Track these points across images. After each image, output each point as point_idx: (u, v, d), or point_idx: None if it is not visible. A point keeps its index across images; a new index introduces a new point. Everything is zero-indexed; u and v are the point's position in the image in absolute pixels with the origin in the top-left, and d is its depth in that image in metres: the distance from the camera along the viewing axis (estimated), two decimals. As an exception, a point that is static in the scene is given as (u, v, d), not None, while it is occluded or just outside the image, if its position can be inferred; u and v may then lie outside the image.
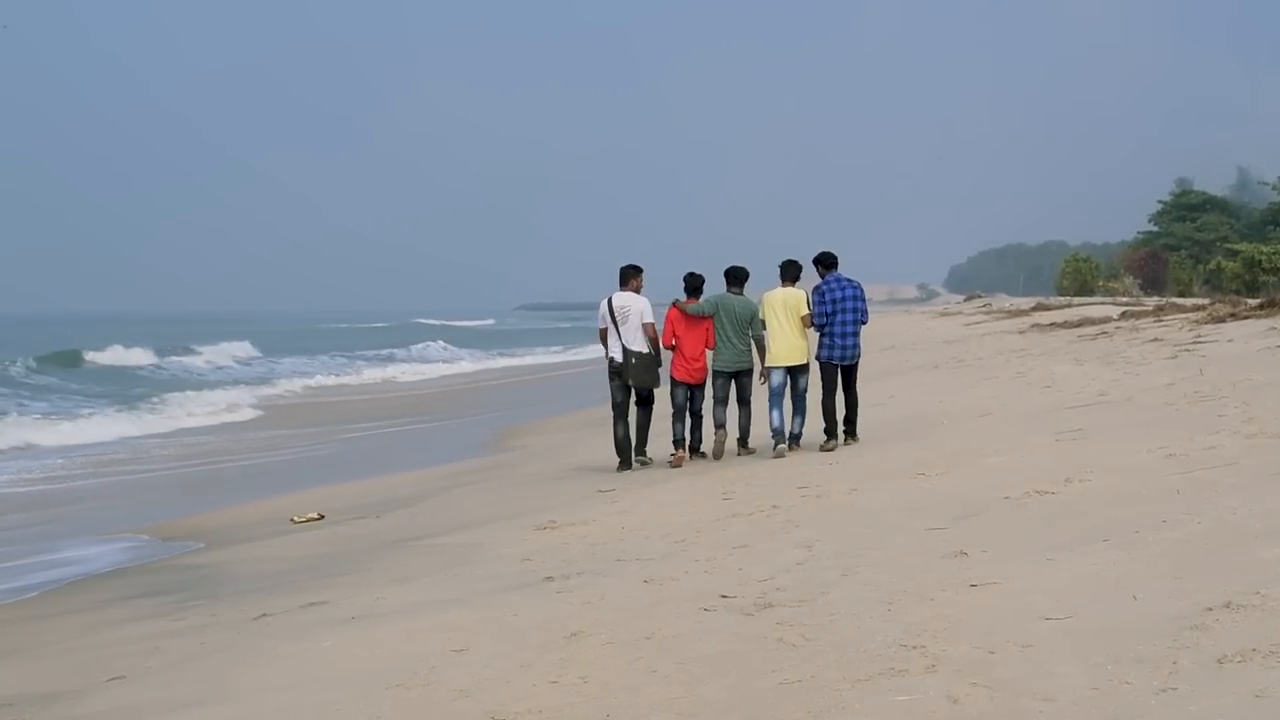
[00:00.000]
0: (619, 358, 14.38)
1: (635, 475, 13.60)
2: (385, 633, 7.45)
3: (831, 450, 13.93)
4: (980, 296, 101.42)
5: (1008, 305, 64.23)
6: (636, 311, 14.40)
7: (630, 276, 14.60)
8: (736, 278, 14.97)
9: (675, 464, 14.33)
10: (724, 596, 7.32)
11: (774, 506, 10.22)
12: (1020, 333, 31.70)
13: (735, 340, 14.65)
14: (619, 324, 14.37)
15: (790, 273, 14.81)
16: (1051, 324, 32.91)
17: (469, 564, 9.56)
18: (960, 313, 59.70)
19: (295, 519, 13.57)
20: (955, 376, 21.67)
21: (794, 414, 14.54)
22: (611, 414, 14.61)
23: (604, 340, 14.50)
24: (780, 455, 13.93)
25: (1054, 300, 60.76)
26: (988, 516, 8.67)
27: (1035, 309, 47.43)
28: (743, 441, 14.63)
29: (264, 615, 8.65)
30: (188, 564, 11.72)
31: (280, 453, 21.79)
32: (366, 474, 18.14)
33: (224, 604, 9.41)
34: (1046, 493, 9.16)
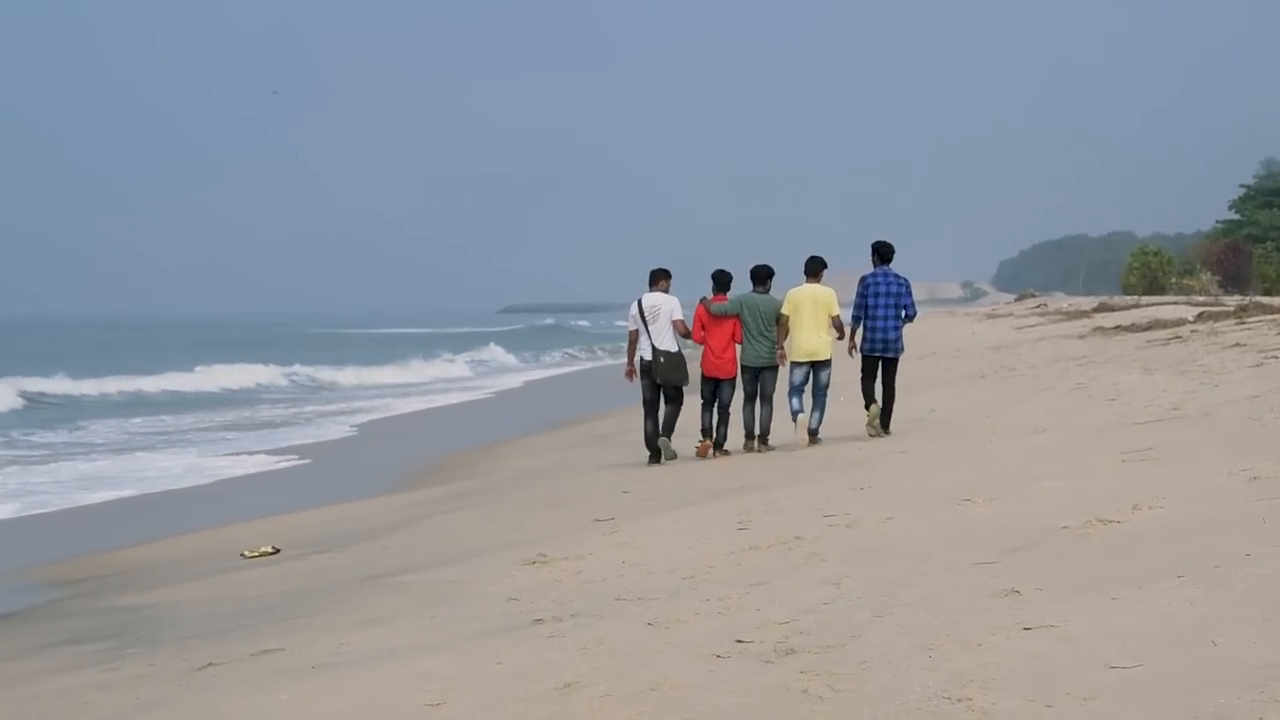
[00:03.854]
0: (648, 356, 16.82)
1: (637, 503, 13.61)
2: (351, 684, 7.43)
3: (873, 417, 16.57)
4: (1034, 296, 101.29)
5: (1065, 306, 64.16)
6: (666, 310, 16.83)
7: (659, 278, 17.04)
8: (761, 276, 17.03)
9: (700, 453, 16.83)
10: (739, 641, 7.30)
11: (796, 538, 10.19)
12: (1080, 337, 31.69)
13: (761, 337, 16.81)
14: (649, 323, 16.82)
15: (814, 268, 16.90)
16: (1116, 327, 32.88)
17: (447, 604, 9.54)
18: (1011, 314, 59.61)
19: (246, 553, 13.56)
20: (1005, 387, 21.65)
21: (813, 409, 16.73)
22: (643, 410, 17.10)
23: (633, 343, 16.99)
24: (802, 443, 16.55)
25: (1119, 300, 60.70)
26: (1043, 549, 8.64)
27: (1098, 310, 47.40)
28: (762, 438, 16.85)
29: (210, 665, 8.63)
30: (121, 605, 11.71)
31: (229, 471, 21.84)
32: (327, 498, 18.15)
33: (164, 652, 9.39)
34: (1111, 522, 9.14)
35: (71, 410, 37.45)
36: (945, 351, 33.79)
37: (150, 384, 46.70)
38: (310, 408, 37.66)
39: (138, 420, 33.61)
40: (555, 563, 10.52)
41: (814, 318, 16.75)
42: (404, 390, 45.87)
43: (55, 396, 41.93)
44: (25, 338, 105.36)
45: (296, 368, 53.62)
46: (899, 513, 10.70)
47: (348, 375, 52.44)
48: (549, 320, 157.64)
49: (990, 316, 61.70)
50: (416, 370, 56.21)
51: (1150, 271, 76.75)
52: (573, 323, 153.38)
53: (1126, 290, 78.18)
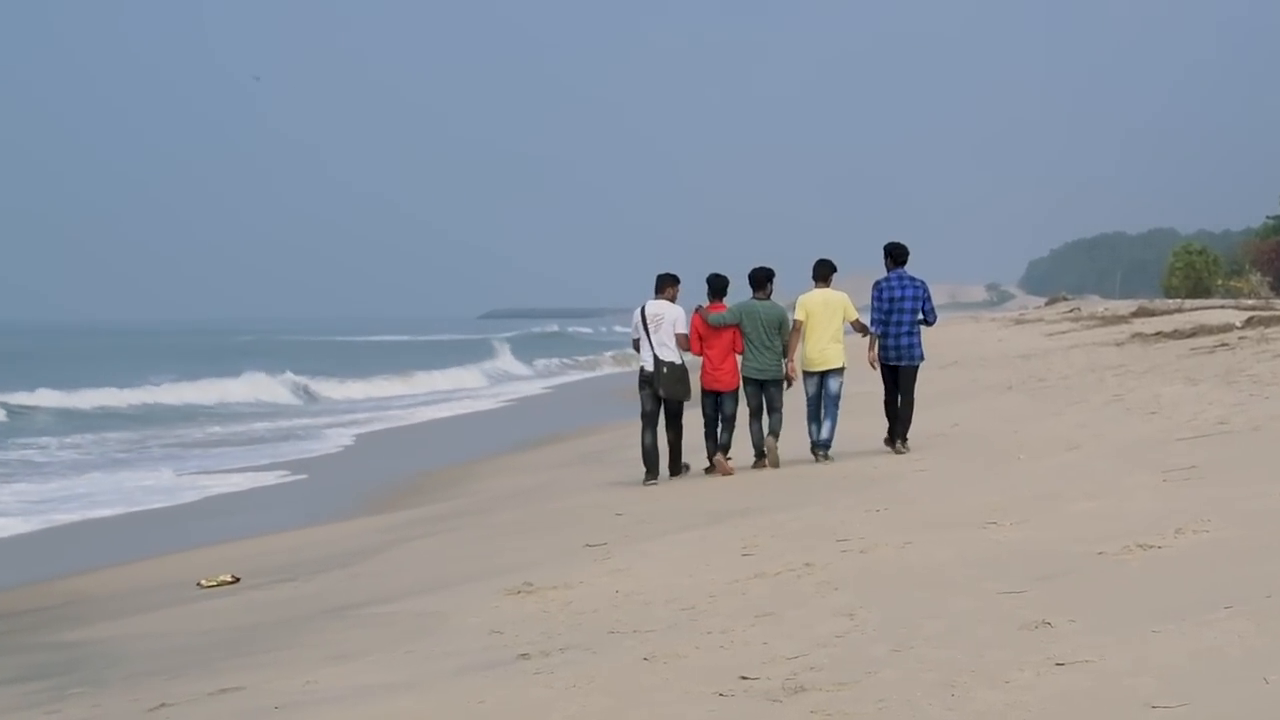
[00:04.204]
0: (649, 367, 16.93)
1: (631, 527, 13.60)
2: (316, 726, 7.41)
3: (898, 453, 16.62)
4: (1066, 299, 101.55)
5: (1101, 310, 64.28)
6: (670, 320, 16.92)
7: (666, 285, 17.16)
8: (760, 281, 17.05)
9: (725, 472, 16.89)
10: (744, 678, 7.28)
11: (806, 564, 10.18)
12: (1117, 344, 31.71)
13: (764, 348, 16.86)
14: (650, 331, 16.88)
15: (823, 273, 17.05)
16: (1157, 333, 32.93)
17: (424, 638, 9.53)
18: (1041, 319, 59.74)
19: (203, 582, 13.54)
20: (1035, 400, 21.66)
21: (825, 419, 16.95)
22: (641, 423, 17.12)
23: (637, 350, 17.07)
24: (820, 460, 16.74)
25: (1160, 303, 60.86)
26: (1077, 577, 8.63)
27: (1136, 314, 47.50)
28: (773, 435, 16.87)
29: (163, 705, 8.61)
30: (65, 640, 11.68)
31: (201, 490, 21.88)
32: (297, 521, 18.13)
33: (112, 691, 9.37)
34: (1152, 547, 9.13)
35: (43, 423, 37.81)
36: (969, 360, 33.81)
37: (132, 396, 47.08)
38: (308, 420, 38.19)
39: (112, 435, 33.90)
40: (542, 592, 10.51)
41: (828, 324, 16.88)
42: (425, 400, 47.04)
43: (18, 408, 41.98)
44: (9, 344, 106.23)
45: (302, 378, 54.45)
46: (918, 537, 10.69)
47: (357, 387, 53.65)
48: (552, 326, 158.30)
49: (1018, 322, 61.81)
50: (425, 381, 57.57)
51: (1194, 272, 76.97)
52: (571, 329, 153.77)
53: (1168, 293, 78.37)
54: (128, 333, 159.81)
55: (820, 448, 16.94)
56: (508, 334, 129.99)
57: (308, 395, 50.74)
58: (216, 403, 46.42)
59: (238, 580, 13.57)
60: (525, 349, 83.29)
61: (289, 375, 54.25)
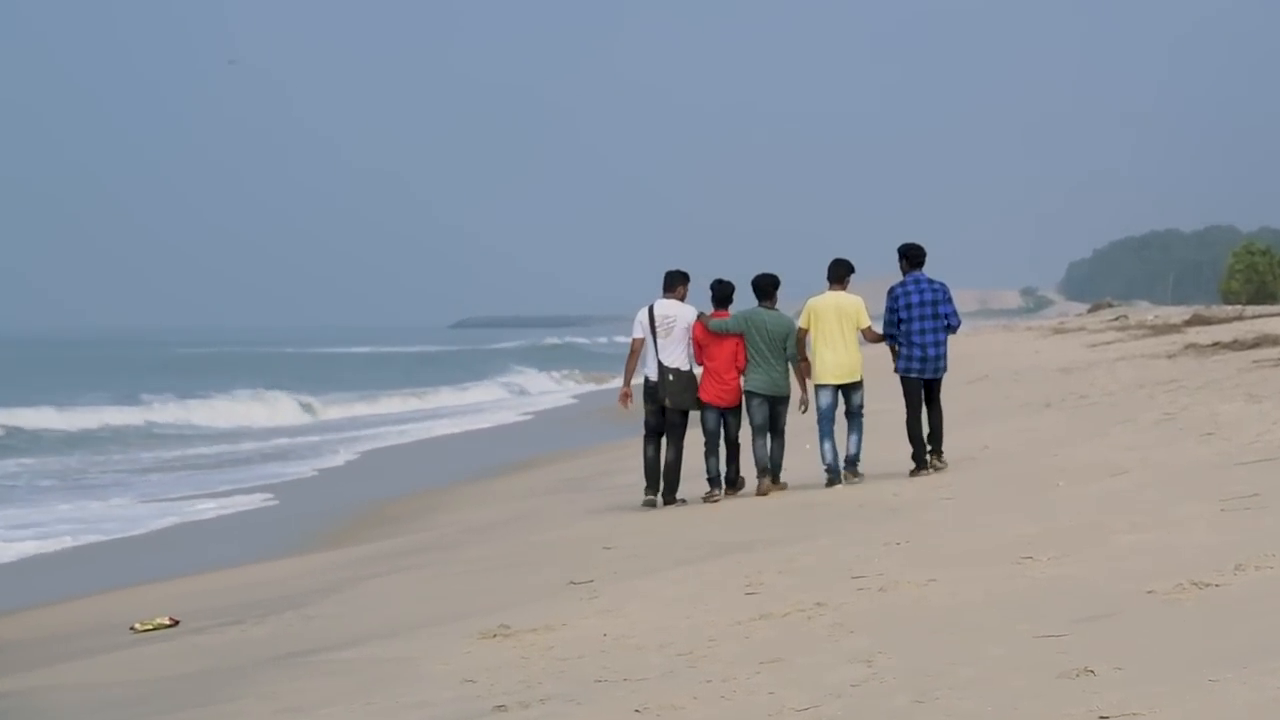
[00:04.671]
0: (654, 375, 17.08)
1: (621, 562, 13.59)
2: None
3: (936, 470, 16.77)
4: (1112, 305, 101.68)
5: (1151, 318, 64.35)
6: (684, 323, 17.07)
7: (677, 282, 17.32)
8: (766, 289, 17.24)
9: (711, 500, 16.98)
10: (748, 734, 7.27)
11: (818, 604, 10.17)
12: (1170, 357, 31.71)
13: (770, 361, 16.99)
14: (659, 336, 17.04)
15: (838, 273, 17.11)
16: (1215, 344, 32.91)
17: (388, 687, 9.51)
18: (1083, 328, 59.73)
19: (138, 626, 13.50)
20: (1076, 419, 21.66)
21: (850, 433, 16.99)
22: (644, 435, 17.33)
23: (634, 354, 17.30)
24: (834, 484, 16.79)
25: (1218, 310, 60.94)
26: (1123, 619, 8.62)
27: (1191, 322, 47.52)
28: (774, 476, 17.09)
29: (92, 763, 8.59)
30: (-15, 690, 11.64)
31: (157, 520, 21.94)
32: (243, 556, 18.11)
33: (35, 747, 9.34)
34: (1208, 585, 9.12)
35: (13, 444, 38.26)
36: (1001, 375, 33.79)
37: (130, 415, 48.09)
38: (314, 437, 39.34)
39: (74, 459, 34.37)
40: (521, 635, 10.49)
41: (840, 331, 16.90)
42: (431, 415, 48.83)
43: None
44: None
45: (307, 397, 56.08)
46: (944, 573, 10.68)
47: (374, 403, 55.95)
48: (551, 339, 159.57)
49: (1057, 331, 61.80)
50: (451, 396, 61.22)
51: (1257, 275, 77.06)
52: (567, 340, 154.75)
53: (1227, 298, 78.43)
54: (85, 344, 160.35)
55: (849, 465, 17.01)
56: (503, 344, 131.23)
57: (311, 413, 52.43)
58: (205, 423, 47.48)
59: (176, 623, 13.54)
60: (552, 361, 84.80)
61: (305, 396, 56.05)
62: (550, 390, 67.19)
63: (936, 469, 16.94)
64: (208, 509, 23.50)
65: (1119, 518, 12.00)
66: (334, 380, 69.88)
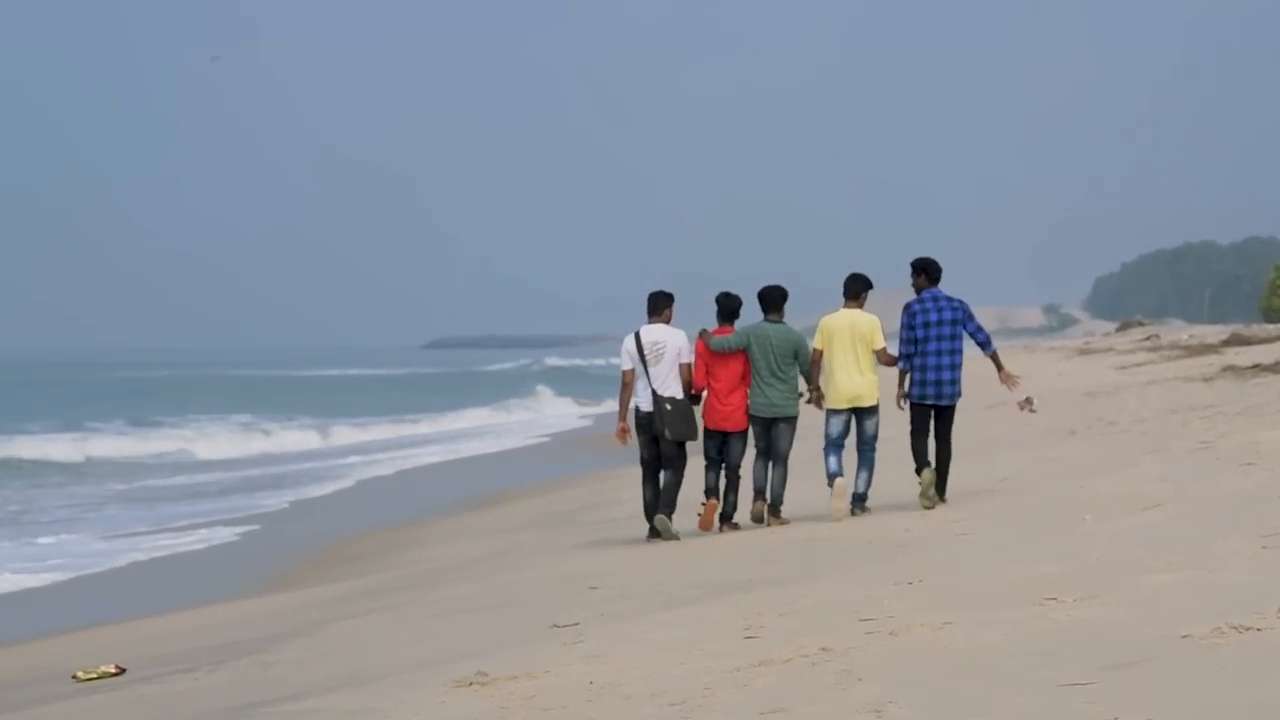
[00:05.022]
0: (647, 406, 17.11)
1: (609, 603, 13.57)
2: None
3: (928, 485, 16.81)
4: (1142, 324, 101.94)
5: (1185, 337, 64.49)
6: (673, 349, 17.14)
7: (662, 305, 17.35)
8: (773, 301, 17.27)
9: (704, 524, 17.22)
10: (746, 792, 7.25)
11: (823, 649, 10.15)
12: (1205, 380, 31.75)
13: (772, 380, 17.06)
14: (649, 364, 17.09)
15: (854, 290, 17.22)
16: (1255, 366, 32.97)
17: (351, 741, 9.48)
18: (1111, 349, 59.88)
19: (80, 675, 13.46)
20: (1103, 447, 21.65)
21: (859, 469, 17.15)
22: (640, 473, 17.41)
23: (627, 387, 17.27)
24: (840, 515, 16.83)
25: (1259, 329, 61.04)
26: (1156, 666, 8.60)
27: (1229, 343, 47.62)
28: (773, 509, 17.23)
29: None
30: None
31: (115, 557, 21.95)
32: (198, 596, 18.08)
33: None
34: (1249, 629, 9.10)
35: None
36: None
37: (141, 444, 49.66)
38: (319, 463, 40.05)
39: (21, 491, 34.78)
40: (499, 684, 10.46)
41: (853, 352, 16.99)
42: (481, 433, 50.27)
43: None
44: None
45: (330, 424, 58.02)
46: (960, 615, 10.66)
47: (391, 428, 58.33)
48: (552, 359, 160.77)
49: (1083, 352, 61.96)
50: (477, 416, 64.50)
51: (1299, 291, 77.03)
52: (554, 362, 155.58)
53: (1268, 316, 78.58)
54: (25, 367, 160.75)
55: (857, 503, 17.12)
56: (497, 366, 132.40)
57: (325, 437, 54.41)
58: (178, 450, 48.19)
59: (122, 671, 13.49)
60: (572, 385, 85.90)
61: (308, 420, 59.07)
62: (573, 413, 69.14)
63: (938, 505, 16.97)
64: (171, 545, 23.48)
65: (1151, 555, 11.99)
66: (335, 404, 70.62)
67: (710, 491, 17.28)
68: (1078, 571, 11.77)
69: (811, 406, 17.33)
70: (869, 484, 17.18)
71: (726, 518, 17.28)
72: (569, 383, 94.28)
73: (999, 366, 17.54)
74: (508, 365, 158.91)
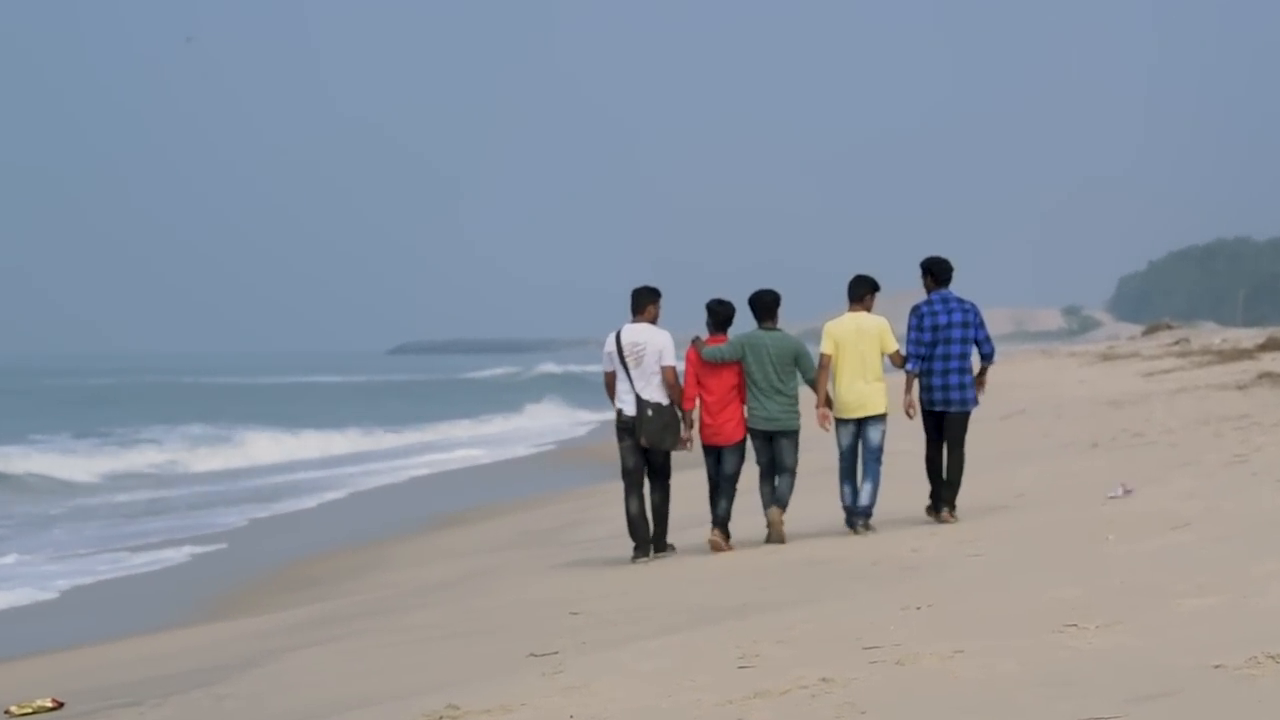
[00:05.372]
0: (630, 410, 17.20)
1: (591, 630, 13.56)
2: None
3: (944, 523, 17.04)
4: (1171, 327, 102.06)
5: (1218, 341, 64.56)
6: (654, 350, 17.22)
7: (646, 302, 17.46)
8: (766, 307, 17.33)
9: (714, 547, 17.26)
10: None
11: (823, 680, 10.14)
12: (1240, 388, 31.81)
13: (772, 391, 17.13)
14: (630, 366, 17.20)
15: (859, 293, 17.34)
16: (1292, 372, 33.00)
17: (309, 781, 9.48)
18: (1137, 354, 59.97)
19: (14, 709, 13.44)
20: (1129, 461, 21.67)
21: (863, 481, 17.30)
22: (622, 484, 17.47)
23: (610, 388, 17.43)
24: (853, 525, 17.19)
25: (1297, 332, 60.98)
26: (1186, 698, 8.60)
27: (1266, 347, 47.60)
28: (780, 504, 17.30)
29: None
30: None
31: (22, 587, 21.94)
32: (145, 623, 18.05)
33: None
34: (1286, 658, 9.10)
35: None
36: (1039, 408, 33.85)
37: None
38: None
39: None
40: (472, 717, 10.45)
41: (860, 358, 17.11)
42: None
43: None
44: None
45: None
46: (972, 644, 10.65)
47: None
48: (548, 365, 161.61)
49: (1106, 358, 62.06)
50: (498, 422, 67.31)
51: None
52: (548, 368, 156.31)
53: (1308, 318, 78.60)
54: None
55: (860, 515, 17.23)
56: (489, 372, 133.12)
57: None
58: (127, 464, 48.53)
59: (60, 705, 13.48)
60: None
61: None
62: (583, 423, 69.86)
63: (944, 521, 17.15)
64: (116, 567, 23.49)
65: (1180, 579, 11.99)
66: (301, 413, 71.08)
67: (720, 522, 17.37)
68: (1100, 596, 11.78)
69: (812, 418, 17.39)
70: (874, 498, 17.27)
71: (720, 523, 17.36)
72: (570, 390, 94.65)
73: (982, 370, 17.54)
74: (496, 371, 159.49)
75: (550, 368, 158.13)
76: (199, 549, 25.85)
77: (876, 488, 17.28)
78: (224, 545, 26.40)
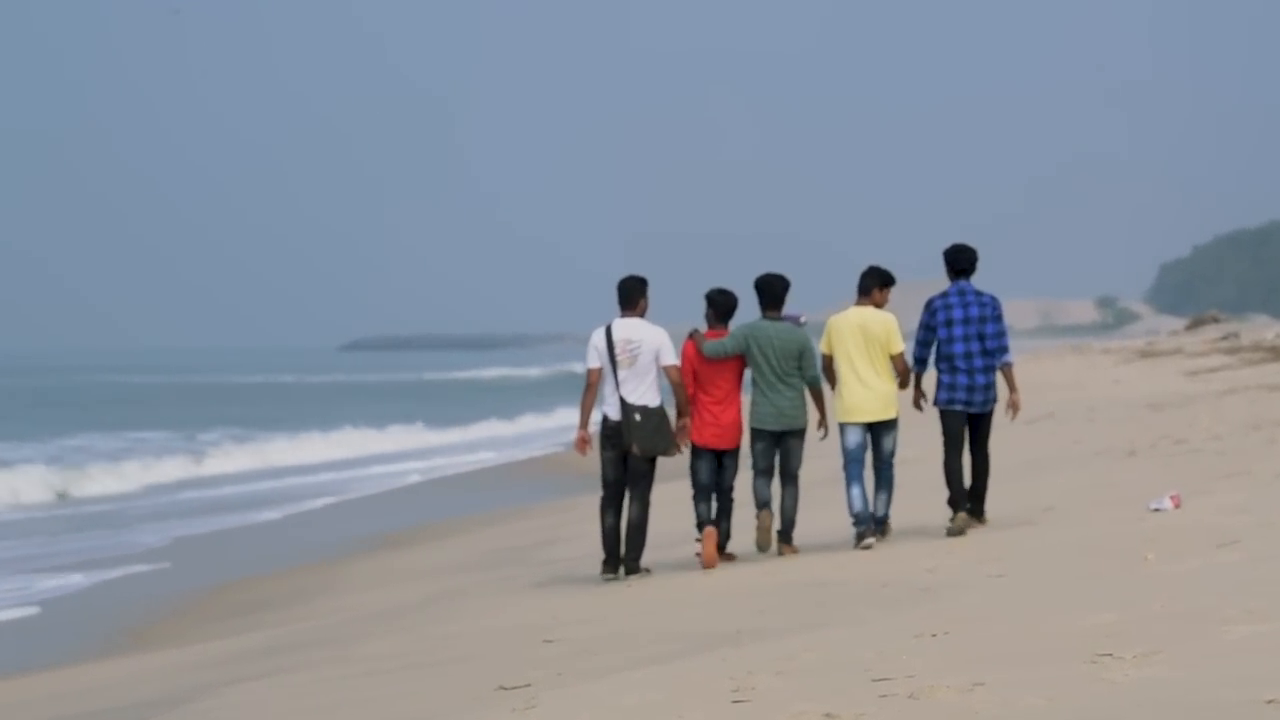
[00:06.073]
0: (615, 415, 17.30)
1: (567, 660, 13.58)
2: None
3: (960, 533, 17.17)
4: (1218, 320, 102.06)
5: (1271, 336, 64.58)
6: (651, 348, 17.29)
7: (636, 295, 17.51)
8: (774, 296, 17.45)
9: (708, 559, 17.33)
10: None
11: (827, 715, 10.15)
12: (1293, 388, 31.81)
13: (777, 387, 17.31)
14: (620, 366, 17.29)
15: (866, 285, 17.46)
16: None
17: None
18: (1179, 351, 60.03)
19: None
20: (1170, 471, 21.69)
21: (878, 490, 17.53)
22: (601, 495, 17.60)
23: (591, 389, 17.52)
24: (866, 547, 17.12)
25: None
26: (1234, 737, 8.61)
27: (1321, 343, 47.65)
28: (784, 535, 17.55)
29: None
30: None
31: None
32: (42, 658, 18.05)
33: None
34: (1347, 691, 9.11)
35: None
36: (1069, 412, 33.87)
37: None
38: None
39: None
40: (433, 759, 10.48)
41: (865, 357, 17.18)
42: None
43: None
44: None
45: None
46: (994, 675, 10.66)
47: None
48: (575, 367, 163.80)
49: (1145, 355, 62.11)
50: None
51: None
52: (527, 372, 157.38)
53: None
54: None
55: (874, 525, 17.36)
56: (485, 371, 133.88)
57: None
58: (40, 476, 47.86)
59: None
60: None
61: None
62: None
63: (975, 524, 17.36)
64: (24, 592, 23.47)
65: (1229, 603, 12.00)
66: (255, 416, 71.68)
67: (704, 524, 17.43)
68: (1138, 622, 11.78)
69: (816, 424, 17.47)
70: (889, 504, 17.47)
71: (720, 547, 17.43)
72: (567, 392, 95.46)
73: (1011, 386, 17.53)
74: (491, 373, 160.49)
75: (575, 367, 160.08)
76: (117, 571, 25.83)
77: (891, 495, 17.50)
78: (147, 567, 26.35)
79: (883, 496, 17.42)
